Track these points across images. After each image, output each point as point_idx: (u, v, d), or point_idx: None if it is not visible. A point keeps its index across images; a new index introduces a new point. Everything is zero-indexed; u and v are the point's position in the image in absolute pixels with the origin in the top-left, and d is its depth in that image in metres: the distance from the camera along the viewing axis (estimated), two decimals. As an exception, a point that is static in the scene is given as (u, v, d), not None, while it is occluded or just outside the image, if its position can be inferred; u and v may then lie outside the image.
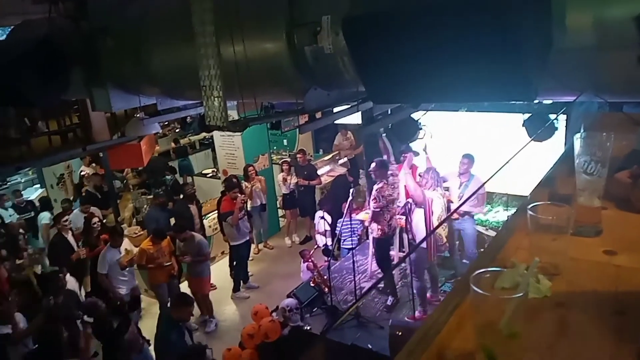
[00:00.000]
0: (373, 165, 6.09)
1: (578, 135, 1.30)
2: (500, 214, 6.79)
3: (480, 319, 0.83)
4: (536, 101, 3.77)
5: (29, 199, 9.43)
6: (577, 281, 1.07)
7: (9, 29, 4.41)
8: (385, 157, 6.27)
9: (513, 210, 6.60)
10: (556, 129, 4.05)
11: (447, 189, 6.13)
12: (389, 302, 6.19)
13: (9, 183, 10.54)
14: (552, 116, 3.94)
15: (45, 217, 8.62)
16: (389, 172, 6.07)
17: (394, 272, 6.86)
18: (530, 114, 4.14)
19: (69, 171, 10.83)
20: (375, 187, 6.02)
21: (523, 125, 3.95)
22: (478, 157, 6.30)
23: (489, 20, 1.56)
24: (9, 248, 6.77)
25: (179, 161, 11.63)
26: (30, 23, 4.06)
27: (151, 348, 5.10)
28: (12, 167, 6.53)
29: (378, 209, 5.97)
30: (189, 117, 12.58)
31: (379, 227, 6.06)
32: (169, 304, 5.73)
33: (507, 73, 1.62)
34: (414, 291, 5.83)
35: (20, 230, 8.10)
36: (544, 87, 1.93)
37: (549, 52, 1.73)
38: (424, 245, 5.61)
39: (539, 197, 1.28)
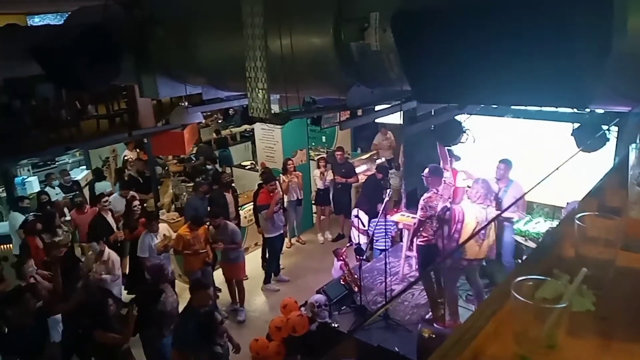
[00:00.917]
0: (426, 170, 5.94)
1: (633, 145, 1.25)
2: (540, 225, 6.58)
3: (519, 327, 0.81)
4: (587, 110, 3.63)
5: (75, 179, 9.80)
6: (623, 297, 1.03)
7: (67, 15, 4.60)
8: (442, 164, 6.11)
9: (555, 222, 6.40)
10: (607, 139, 3.89)
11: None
12: (427, 316, 6.01)
13: (57, 163, 10.99)
14: (604, 126, 3.78)
15: (105, 186, 9.26)
16: (443, 179, 5.90)
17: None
18: (580, 124, 3.98)
19: (114, 155, 11.22)
20: (424, 196, 5.87)
21: (572, 135, 3.81)
22: (523, 165, 6.12)
23: (545, 21, 1.50)
24: (47, 225, 7.02)
25: (219, 152, 11.84)
26: (86, 9, 4.20)
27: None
28: (61, 147, 6.80)
29: (424, 218, 5.83)
30: (231, 110, 12.82)
31: (424, 234, 5.92)
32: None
33: (560, 77, 1.56)
34: (446, 299, 5.74)
35: (65, 210, 8.45)
36: (598, 95, 1.85)
37: (606, 57, 1.66)
38: (470, 256, 5.45)
39: (587, 207, 1.23)
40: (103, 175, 9.94)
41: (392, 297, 6.15)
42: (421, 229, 5.90)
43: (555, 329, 0.79)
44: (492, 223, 5.38)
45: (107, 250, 6.39)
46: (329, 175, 9.05)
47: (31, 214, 7.38)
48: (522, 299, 0.78)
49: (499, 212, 5.54)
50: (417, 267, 6.56)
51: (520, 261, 6.07)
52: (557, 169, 1.46)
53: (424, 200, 5.81)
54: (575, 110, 3.97)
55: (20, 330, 4.39)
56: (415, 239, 6.15)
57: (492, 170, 6.10)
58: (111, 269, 6.33)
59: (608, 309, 0.96)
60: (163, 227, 6.85)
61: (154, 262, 5.78)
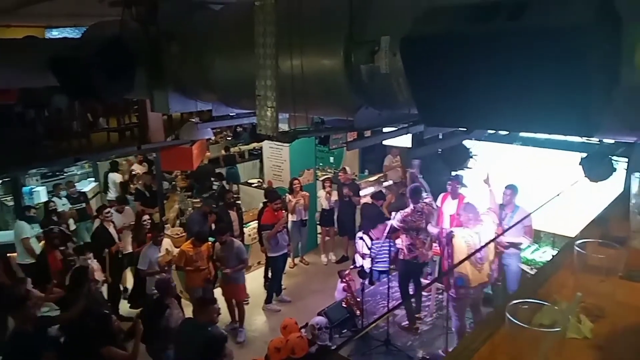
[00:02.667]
0: (408, 190, 6.28)
1: (636, 174, 1.25)
2: (547, 254, 6.51)
3: (514, 350, 0.80)
4: (596, 140, 3.62)
5: (81, 190, 9.87)
6: (621, 326, 1.01)
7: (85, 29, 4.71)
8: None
9: (561, 252, 6.33)
10: (614, 170, 3.86)
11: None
12: (404, 323, 6.41)
13: (65, 174, 11.07)
14: (614, 157, 3.76)
15: (117, 178, 10.23)
16: (422, 200, 6.15)
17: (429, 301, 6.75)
18: (587, 153, 3.96)
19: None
20: (402, 211, 6.16)
21: (580, 164, 3.80)
22: (531, 193, 6.10)
23: (554, 50, 1.52)
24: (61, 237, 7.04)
25: (227, 169, 11.89)
26: (103, 24, 4.30)
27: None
28: (71, 158, 6.87)
29: (399, 228, 6.16)
30: (239, 127, 12.98)
31: (401, 247, 6.26)
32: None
33: (567, 105, 1.57)
34: (453, 329, 5.68)
35: (70, 220, 8.50)
36: (605, 125, 1.86)
37: (614, 88, 1.67)
38: (475, 283, 5.44)
39: (590, 236, 1.22)
40: (117, 168, 10.51)
41: (379, 317, 6.26)
42: (400, 241, 6.27)
43: (550, 354, 0.78)
44: (490, 245, 5.38)
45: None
46: (334, 196, 9.05)
47: (56, 228, 7.39)
48: (516, 322, 0.78)
49: (498, 233, 5.57)
50: (398, 283, 6.62)
51: (523, 283, 6.03)
52: (558, 194, 1.46)
53: (400, 214, 6.13)
54: (583, 139, 3.96)
55: (19, 338, 4.38)
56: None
57: (499, 196, 6.10)
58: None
59: (606, 338, 0.95)
60: (165, 242, 6.85)
61: (161, 277, 5.79)
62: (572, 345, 0.88)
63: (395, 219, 6.15)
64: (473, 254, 5.23)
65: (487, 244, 5.27)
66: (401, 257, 6.31)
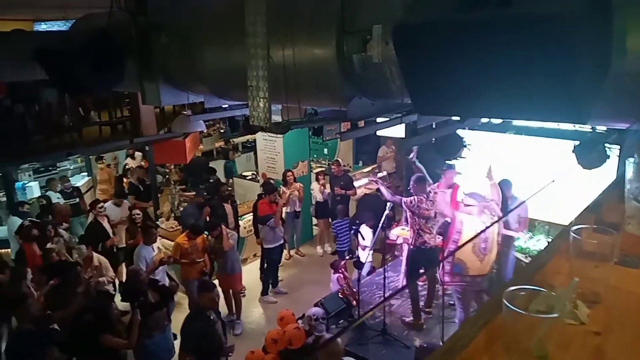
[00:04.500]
0: (411, 181, 6.09)
1: (630, 160, 1.24)
2: (541, 242, 6.55)
3: (510, 336, 0.80)
4: (589, 128, 3.63)
5: (75, 185, 9.79)
6: (617, 312, 1.01)
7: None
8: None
9: (555, 240, 6.36)
10: (607, 157, 3.88)
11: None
12: (408, 320, 6.22)
13: (58, 169, 10.99)
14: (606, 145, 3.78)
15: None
16: (428, 188, 6.00)
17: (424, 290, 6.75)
18: (580, 141, 3.98)
19: (115, 162, 11.23)
20: (416, 197, 5.98)
21: (573, 152, 3.81)
22: (524, 183, 6.11)
23: (545, 37, 1.51)
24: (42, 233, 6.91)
25: (225, 162, 11.87)
26: (92, 16, 4.26)
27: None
28: (63, 153, 6.80)
29: (410, 211, 5.96)
30: (220, 122, 12.93)
31: (410, 234, 6.07)
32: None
33: (559, 92, 1.56)
34: (457, 321, 5.67)
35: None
36: (597, 112, 1.86)
37: (605, 75, 1.66)
38: (473, 272, 5.39)
39: (584, 222, 1.22)
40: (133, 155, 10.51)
41: (374, 306, 6.20)
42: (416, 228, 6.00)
43: (547, 340, 0.78)
44: (494, 236, 5.37)
45: (95, 255, 6.37)
46: (328, 188, 9.04)
47: (28, 219, 7.31)
48: (512, 307, 0.77)
49: (495, 222, 5.55)
50: (404, 271, 6.54)
51: (519, 269, 6.04)
52: (552, 181, 1.46)
53: (416, 199, 5.89)
54: (576, 127, 3.97)
55: (21, 336, 4.34)
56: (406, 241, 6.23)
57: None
58: (105, 272, 6.33)
59: (602, 324, 0.95)
60: (157, 242, 6.78)
61: (131, 267, 5.77)
62: (569, 331, 0.87)
63: (406, 203, 5.96)
64: (474, 237, 5.18)
65: (484, 230, 5.23)
66: (410, 243, 6.13)
